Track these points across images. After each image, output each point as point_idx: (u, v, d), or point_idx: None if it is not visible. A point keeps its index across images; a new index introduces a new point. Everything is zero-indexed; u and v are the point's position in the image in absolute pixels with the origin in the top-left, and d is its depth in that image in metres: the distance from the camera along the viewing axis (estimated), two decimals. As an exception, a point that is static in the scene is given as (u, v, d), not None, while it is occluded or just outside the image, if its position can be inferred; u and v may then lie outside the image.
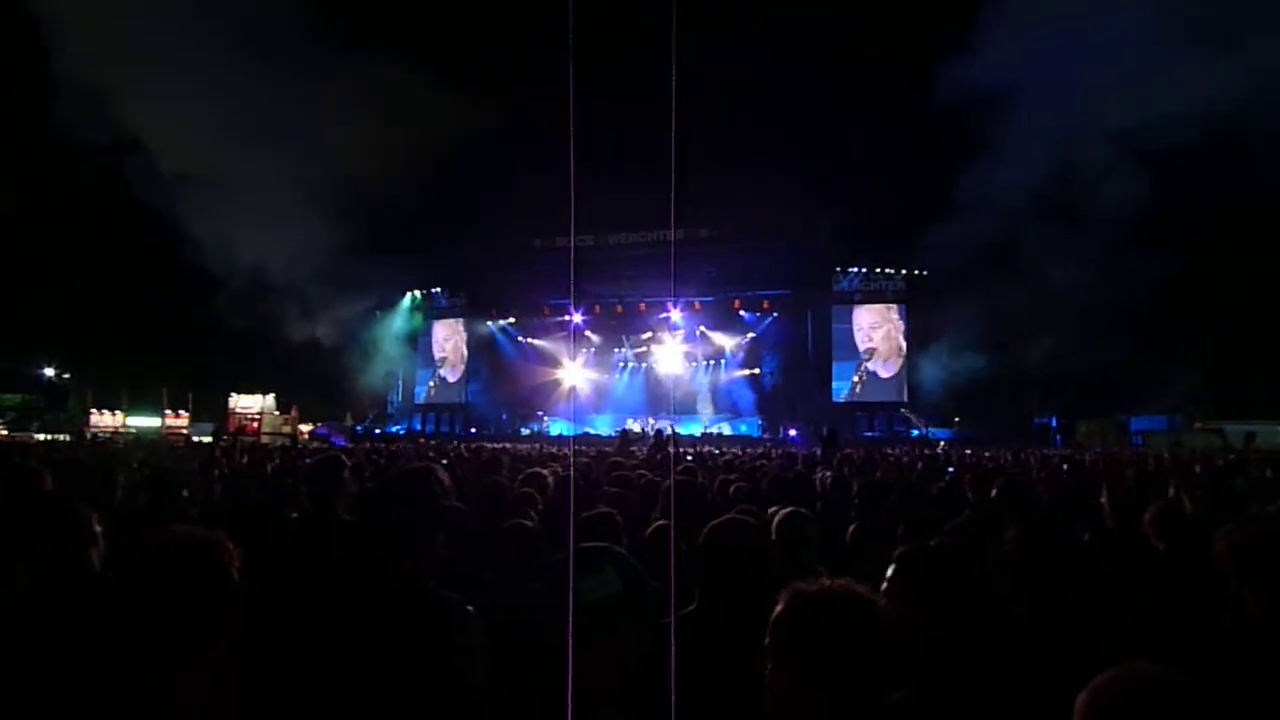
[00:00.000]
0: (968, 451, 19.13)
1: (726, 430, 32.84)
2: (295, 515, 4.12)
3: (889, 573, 2.04)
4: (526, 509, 4.08)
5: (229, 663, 1.36)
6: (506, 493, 4.74)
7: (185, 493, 4.27)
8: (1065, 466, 9.62)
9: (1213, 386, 31.91)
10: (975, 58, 25.57)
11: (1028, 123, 25.68)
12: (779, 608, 1.55)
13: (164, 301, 33.59)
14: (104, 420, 34.50)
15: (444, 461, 9.42)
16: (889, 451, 16.42)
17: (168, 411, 35.49)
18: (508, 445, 19.43)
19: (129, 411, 35.89)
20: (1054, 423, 31.47)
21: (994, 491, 4.08)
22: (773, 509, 3.68)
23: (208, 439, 22.56)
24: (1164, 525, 3.47)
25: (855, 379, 34.18)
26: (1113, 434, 29.99)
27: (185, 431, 32.24)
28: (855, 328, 34.29)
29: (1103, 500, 4.08)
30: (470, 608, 2.16)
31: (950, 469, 9.17)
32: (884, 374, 34.10)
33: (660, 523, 3.71)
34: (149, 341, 35.16)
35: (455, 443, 22.48)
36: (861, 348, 34.21)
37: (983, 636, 1.97)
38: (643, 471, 6.98)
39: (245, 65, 25.90)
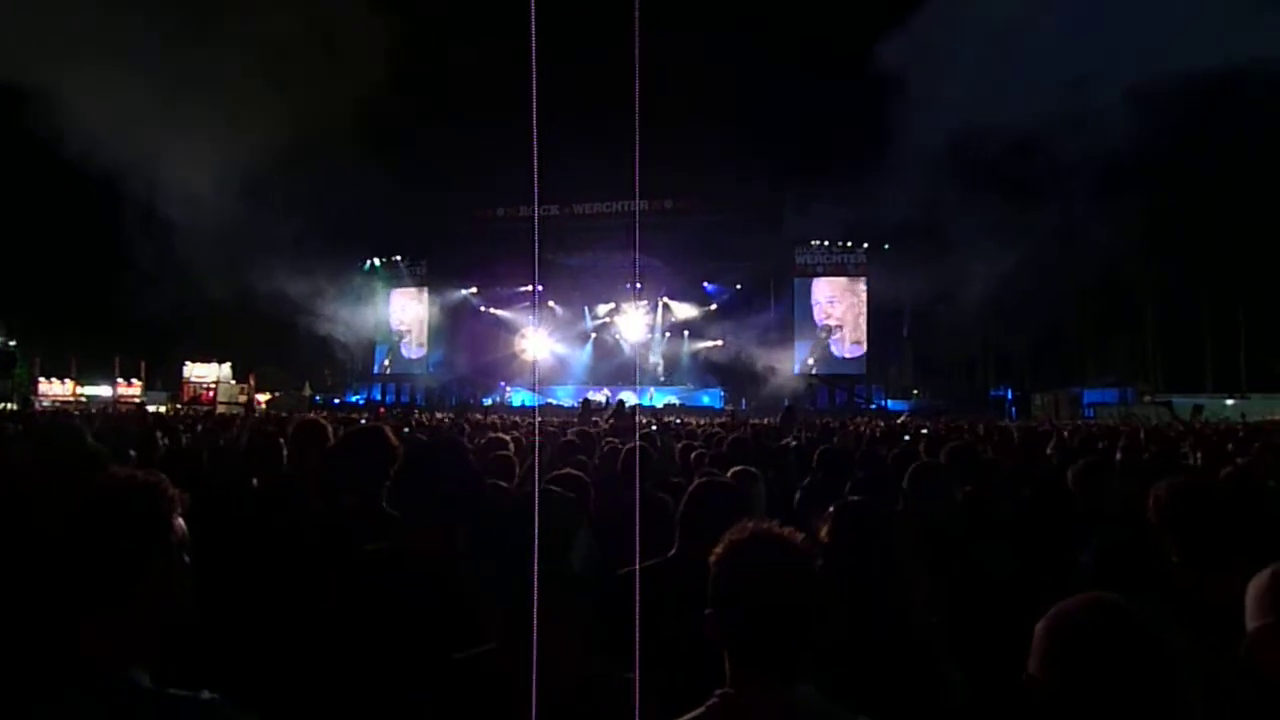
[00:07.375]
0: (926, 422, 19.44)
1: (685, 401, 32.96)
2: (256, 481, 4.13)
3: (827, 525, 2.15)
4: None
5: (172, 609, 1.32)
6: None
7: (132, 453, 4.26)
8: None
9: (1163, 361, 32.83)
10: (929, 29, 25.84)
11: (985, 91, 25.82)
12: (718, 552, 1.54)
13: (116, 266, 32.67)
14: (53, 389, 33.63)
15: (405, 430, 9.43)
16: (848, 422, 16.63)
17: (120, 380, 34.71)
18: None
19: (80, 380, 35.04)
20: (1009, 395, 32.11)
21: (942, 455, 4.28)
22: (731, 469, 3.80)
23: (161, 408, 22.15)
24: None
25: (817, 352, 34.54)
26: (1066, 406, 30.72)
27: (138, 400, 31.58)
28: (816, 301, 34.57)
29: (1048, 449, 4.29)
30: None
31: (905, 436, 9.37)
32: (845, 347, 34.51)
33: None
34: (100, 308, 34.20)
35: (416, 412, 22.30)
36: (823, 321, 34.53)
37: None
38: (610, 439, 7.04)
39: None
